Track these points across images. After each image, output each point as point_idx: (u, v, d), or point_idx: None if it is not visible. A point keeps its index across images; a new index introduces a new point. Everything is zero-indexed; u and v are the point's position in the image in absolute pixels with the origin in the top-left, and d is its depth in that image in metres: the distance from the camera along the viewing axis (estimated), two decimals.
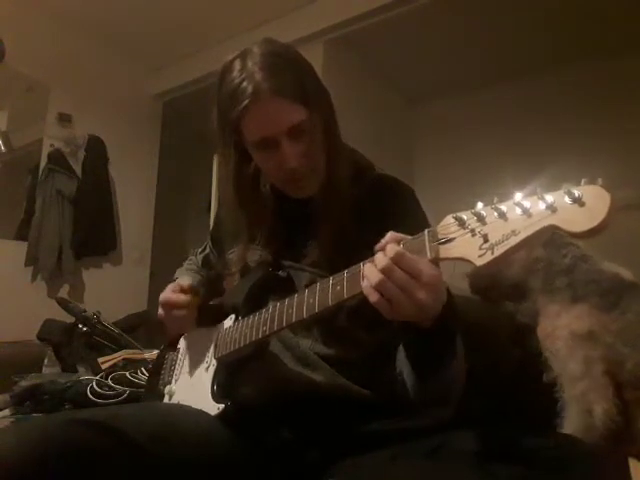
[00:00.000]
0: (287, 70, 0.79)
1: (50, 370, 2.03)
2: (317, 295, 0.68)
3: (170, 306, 0.94)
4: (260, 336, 0.78)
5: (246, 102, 0.76)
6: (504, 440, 0.61)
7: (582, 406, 0.96)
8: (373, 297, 0.57)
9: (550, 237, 1.20)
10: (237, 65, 0.79)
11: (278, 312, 0.75)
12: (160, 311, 0.96)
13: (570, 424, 0.97)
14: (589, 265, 1.14)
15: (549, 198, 0.45)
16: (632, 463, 0.98)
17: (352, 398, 0.80)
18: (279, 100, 0.76)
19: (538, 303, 1.18)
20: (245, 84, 0.76)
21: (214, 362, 0.88)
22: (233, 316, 0.89)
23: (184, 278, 1.05)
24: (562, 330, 1.06)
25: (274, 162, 0.81)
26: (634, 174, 2.44)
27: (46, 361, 2.07)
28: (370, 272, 0.58)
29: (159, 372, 1.03)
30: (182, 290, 0.95)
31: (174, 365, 1.00)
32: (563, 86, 3.13)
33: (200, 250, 1.16)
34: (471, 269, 1.33)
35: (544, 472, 0.56)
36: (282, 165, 0.80)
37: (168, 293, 0.96)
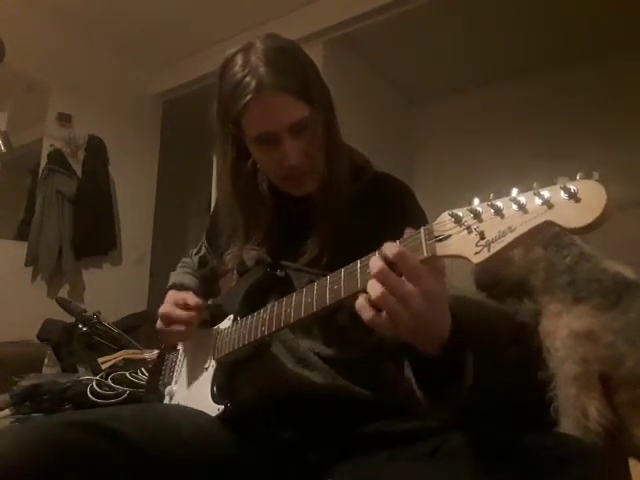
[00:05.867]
0: (291, 66, 0.78)
1: (50, 370, 2.03)
2: (315, 294, 0.67)
3: (171, 321, 0.88)
4: (259, 336, 0.78)
5: (249, 97, 0.75)
6: (503, 440, 0.61)
7: (577, 407, 0.96)
8: (367, 314, 0.54)
9: (550, 238, 1.20)
10: (239, 59, 0.78)
11: (276, 312, 0.75)
12: (159, 324, 0.90)
13: (566, 424, 0.97)
14: (591, 264, 1.14)
15: (545, 194, 0.45)
16: (632, 463, 0.98)
17: (352, 399, 0.79)
18: (282, 96, 0.76)
19: (539, 302, 1.18)
20: (248, 79, 0.76)
21: (213, 363, 0.87)
22: (231, 316, 0.88)
23: (185, 279, 1.05)
24: (562, 330, 1.05)
25: (274, 158, 0.81)
26: (634, 173, 2.44)
27: (46, 361, 2.07)
28: (370, 286, 0.54)
29: (159, 373, 1.02)
30: (186, 305, 0.89)
31: (174, 366, 1.00)
32: (564, 86, 3.13)
33: (195, 251, 1.14)
34: (474, 266, 1.33)
35: (543, 472, 0.55)
36: (282, 162, 0.80)
37: (170, 307, 0.89)
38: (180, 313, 0.88)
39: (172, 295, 0.93)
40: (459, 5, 2.66)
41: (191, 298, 0.89)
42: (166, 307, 0.90)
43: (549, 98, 3.17)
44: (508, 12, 2.72)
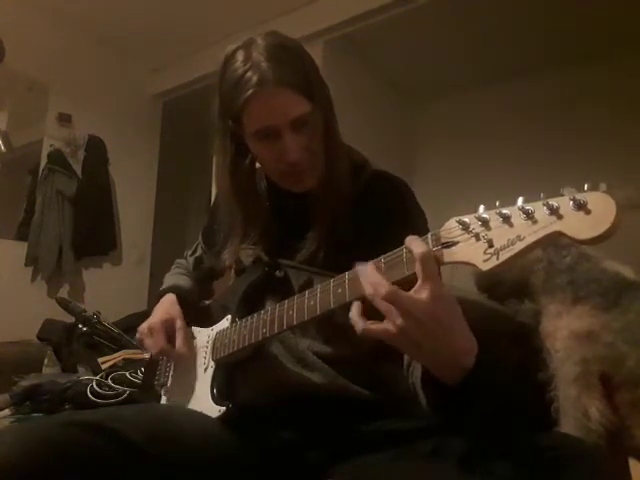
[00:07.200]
0: (292, 62, 0.79)
1: (50, 370, 2.03)
2: (318, 297, 0.67)
3: (150, 338, 0.91)
4: (260, 338, 0.77)
5: (251, 91, 0.75)
6: (503, 440, 0.61)
7: (578, 407, 0.96)
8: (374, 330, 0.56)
9: None
10: (241, 55, 0.78)
11: (278, 314, 0.74)
12: (142, 332, 0.92)
13: (567, 425, 0.97)
14: (591, 264, 1.14)
15: (554, 204, 0.45)
16: (632, 463, 0.98)
17: (352, 398, 0.79)
18: (284, 91, 0.76)
19: (539, 303, 1.18)
20: (250, 74, 0.76)
21: (212, 364, 0.87)
22: (230, 317, 0.88)
23: (180, 281, 1.04)
24: (562, 330, 1.05)
25: (274, 154, 0.81)
26: (634, 173, 2.44)
27: (46, 361, 2.07)
28: (379, 305, 0.54)
29: (154, 372, 1.02)
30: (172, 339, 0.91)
31: (170, 365, 0.99)
32: (564, 86, 3.13)
33: (190, 252, 1.14)
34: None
35: (544, 472, 0.55)
36: (282, 157, 0.80)
37: (160, 327, 0.90)
38: (161, 341, 0.89)
39: (170, 316, 0.93)
40: (459, 5, 2.66)
41: (179, 342, 0.90)
42: (157, 327, 0.90)
43: (549, 98, 3.16)
44: (508, 12, 2.72)
